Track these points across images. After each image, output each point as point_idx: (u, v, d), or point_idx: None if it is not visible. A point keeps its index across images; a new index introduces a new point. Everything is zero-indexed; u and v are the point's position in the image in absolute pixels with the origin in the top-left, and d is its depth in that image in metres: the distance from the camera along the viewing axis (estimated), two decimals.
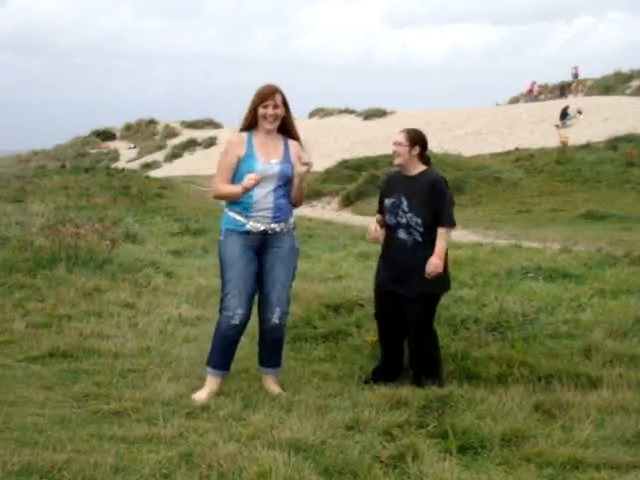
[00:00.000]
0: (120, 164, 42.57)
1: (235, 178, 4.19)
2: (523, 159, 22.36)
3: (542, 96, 42.24)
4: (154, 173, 33.39)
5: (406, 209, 4.45)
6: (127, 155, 48.99)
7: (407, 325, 4.52)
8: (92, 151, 52.75)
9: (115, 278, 7.41)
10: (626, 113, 29.29)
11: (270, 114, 4.15)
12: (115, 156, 49.20)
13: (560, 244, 10.62)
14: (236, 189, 4.13)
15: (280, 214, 4.21)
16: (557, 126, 29.42)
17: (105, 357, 4.91)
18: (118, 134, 59.32)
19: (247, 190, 4.09)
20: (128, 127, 59.51)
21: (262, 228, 4.17)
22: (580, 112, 30.76)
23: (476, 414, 3.69)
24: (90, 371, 4.60)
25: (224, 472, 2.96)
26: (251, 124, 4.23)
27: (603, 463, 3.18)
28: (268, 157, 4.16)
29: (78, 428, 3.53)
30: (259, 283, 4.26)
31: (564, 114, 30.67)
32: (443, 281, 4.52)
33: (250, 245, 4.18)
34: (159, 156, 45.41)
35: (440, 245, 4.40)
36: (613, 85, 42.44)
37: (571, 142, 24.67)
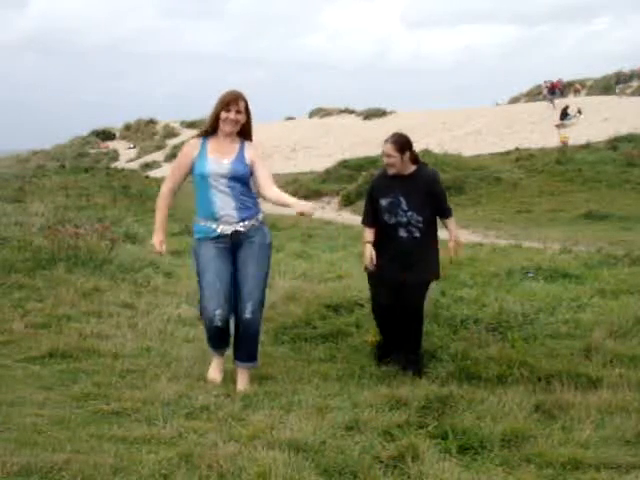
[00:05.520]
0: (120, 164, 42.59)
1: (195, 181, 4.35)
2: (523, 159, 22.39)
3: (541, 96, 42.18)
4: (154, 173, 33.39)
5: (405, 207, 4.59)
6: (127, 155, 49.01)
7: (405, 311, 4.65)
8: (92, 151, 52.76)
9: (115, 278, 7.41)
10: (626, 113, 29.30)
11: (232, 119, 4.27)
12: (115, 156, 49.22)
13: (560, 244, 10.62)
14: (157, 225, 4.46)
15: (245, 213, 4.31)
16: (557, 126, 29.42)
17: (105, 357, 4.91)
18: (118, 134, 59.33)
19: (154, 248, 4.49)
20: (127, 127, 59.52)
21: (231, 230, 4.28)
22: (580, 112, 30.77)
23: (476, 414, 3.69)
24: (90, 371, 4.59)
25: (224, 472, 2.95)
26: (214, 129, 4.35)
27: (603, 463, 3.18)
28: (220, 158, 4.29)
29: (77, 428, 3.52)
30: (234, 280, 4.36)
31: (564, 114, 30.67)
32: (438, 268, 4.78)
33: (223, 247, 4.31)
34: (159, 156, 45.41)
35: (452, 229, 4.76)
36: (614, 85, 42.45)
37: (571, 142, 24.68)
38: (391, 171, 4.69)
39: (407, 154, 4.66)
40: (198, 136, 4.42)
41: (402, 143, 4.66)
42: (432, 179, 4.73)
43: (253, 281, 4.33)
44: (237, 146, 4.36)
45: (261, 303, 4.40)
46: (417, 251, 4.61)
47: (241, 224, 4.29)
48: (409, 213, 4.58)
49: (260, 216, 4.39)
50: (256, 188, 4.37)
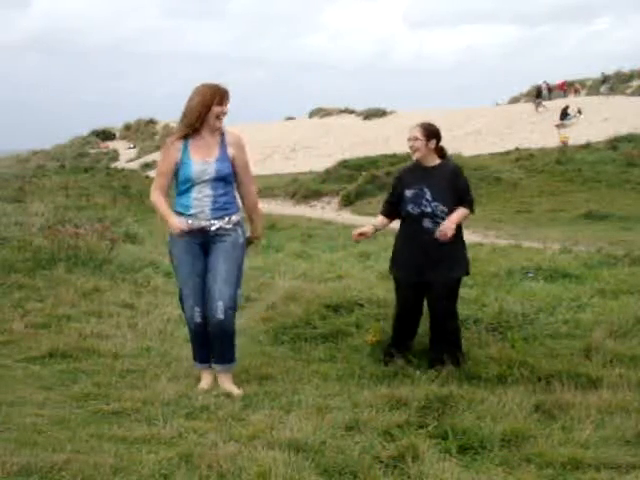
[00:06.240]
0: (120, 164, 42.60)
1: (177, 182, 4.29)
2: (523, 159, 22.40)
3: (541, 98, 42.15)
4: (154, 173, 33.39)
5: (430, 198, 4.61)
6: (127, 155, 48.99)
7: (434, 311, 4.67)
8: (92, 151, 52.77)
9: (115, 278, 7.41)
10: (627, 113, 29.30)
11: (225, 112, 4.22)
12: (115, 156, 49.21)
13: (560, 244, 10.62)
14: (168, 217, 4.19)
15: (221, 211, 4.24)
16: (557, 126, 29.42)
17: (105, 357, 4.91)
18: (118, 134, 59.37)
19: (176, 229, 4.15)
20: (127, 127, 59.56)
21: (201, 225, 4.21)
22: (580, 112, 30.77)
23: (476, 414, 3.69)
24: (90, 371, 4.59)
25: (224, 472, 2.95)
26: (201, 124, 4.18)
27: (603, 463, 3.17)
28: (204, 157, 4.20)
29: (78, 428, 3.52)
30: (205, 278, 4.28)
31: (564, 114, 30.67)
32: (467, 264, 4.78)
33: (194, 242, 4.24)
34: (159, 156, 45.39)
35: (455, 215, 4.58)
36: (614, 85, 42.44)
37: (571, 142, 24.69)
38: (415, 156, 4.69)
39: (433, 142, 4.67)
40: (179, 138, 4.24)
41: (430, 130, 4.68)
42: (456, 172, 4.74)
43: (223, 279, 4.20)
44: (218, 139, 4.27)
45: (233, 301, 4.26)
46: (445, 244, 4.56)
47: (212, 221, 4.21)
48: (433, 204, 4.59)
49: (235, 217, 4.29)
50: (236, 187, 4.35)
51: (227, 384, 4.30)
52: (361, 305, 5.90)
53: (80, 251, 7.71)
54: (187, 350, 5.07)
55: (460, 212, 4.62)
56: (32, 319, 5.75)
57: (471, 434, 3.45)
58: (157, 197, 4.30)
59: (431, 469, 3.03)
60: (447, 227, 4.52)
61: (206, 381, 4.36)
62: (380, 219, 4.89)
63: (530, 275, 7.45)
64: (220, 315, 4.20)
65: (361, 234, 4.80)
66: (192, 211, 4.21)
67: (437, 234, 4.52)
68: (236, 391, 4.23)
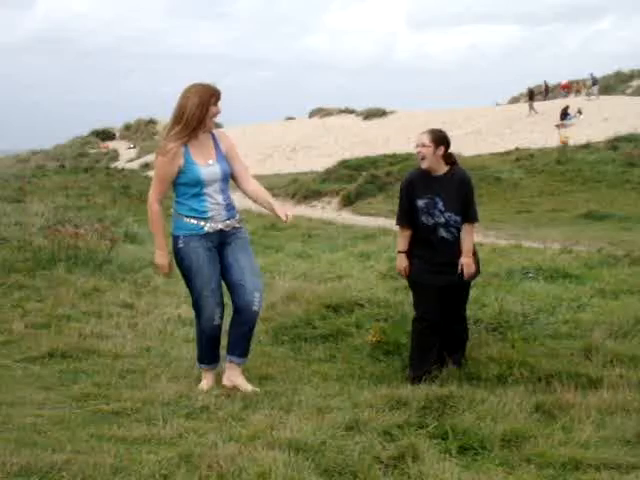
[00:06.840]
0: (120, 164, 42.59)
1: (180, 186, 4.25)
2: (523, 159, 22.39)
3: (539, 96, 42.16)
4: (153, 173, 33.35)
5: (442, 209, 4.53)
6: (127, 155, 48.97)
7: (452, 313, 4.66)
8: (91, 151, 52.76)
9: (114, 278, 7.41)
10: (627, 113, 29.31)
11: (219, 112, 4.22)
12: (114, 156, 49.20)
13: (560, 244, 10.63)
14: (159, 243, 4.37)
15: (231, 211, 4.31)
16: (557, 126, 29.42)
17: (104, 357, 4.91)
18: (117, 134, 59.39)
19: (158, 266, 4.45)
20: (127, 127, 59.58)
21: (219, 227, 4.25)
22: (580, 112, 30.77)
23: (476, 414, 3.68)
24: (89, 371, 4.59)
25: (224, 473, 2.95)
26: (197, 126, 4.14)
27: (603, 464, 3.17)
28: (205, 159, 4.21)
29: (77, 428, 3.52)
30: (225, 275, 4.30)
31: (564, 114, 30.67)
32: (478, 265, 4.75)
33: (212, 246, 4.26)
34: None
35: (468, 244, 4.56)
36: (614, 85, 42.45)
37: (571, 142, 24.68)
38: (423, 165, 4.55)
39: (441, 149, 4.53)
40: (179, 143, 4.16)
41: (439, 136, 4.56)
42: (464, 181, 4.60)
43: (251, 271, 4.29)
44: (211, 139, 4.28)
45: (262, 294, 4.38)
46: (459, 252, 4.54)
47: (227, 222, 4.26)
48: (447, 214, 4.51)
49: (238, 215, 4.37)
50: (233, 180, 4.33)
51: (241, 379, 4.33)
52: (361, 305, 5.90)
53: (80, 251, 7.71)
54: (187, 350, 5.08)
55: (469, 235, 4.57)
56: (32, 319, 5.75)
57: (471, 434, 3.45)
58: (157, 216, 4.33)
59: (431, 469, 3.03)
60: (467, 265, 4.53)
61: (207, 381, 4.36)
62: (404, 239, 4.67)
63: (530, 275, 7.45)
64: (256, 306, 4.27)
65: (405, 267, 4.65)
66: (209, 214, 4.22)
67: (465, 277, 4.56)
68: (250, 387, 4.26)
